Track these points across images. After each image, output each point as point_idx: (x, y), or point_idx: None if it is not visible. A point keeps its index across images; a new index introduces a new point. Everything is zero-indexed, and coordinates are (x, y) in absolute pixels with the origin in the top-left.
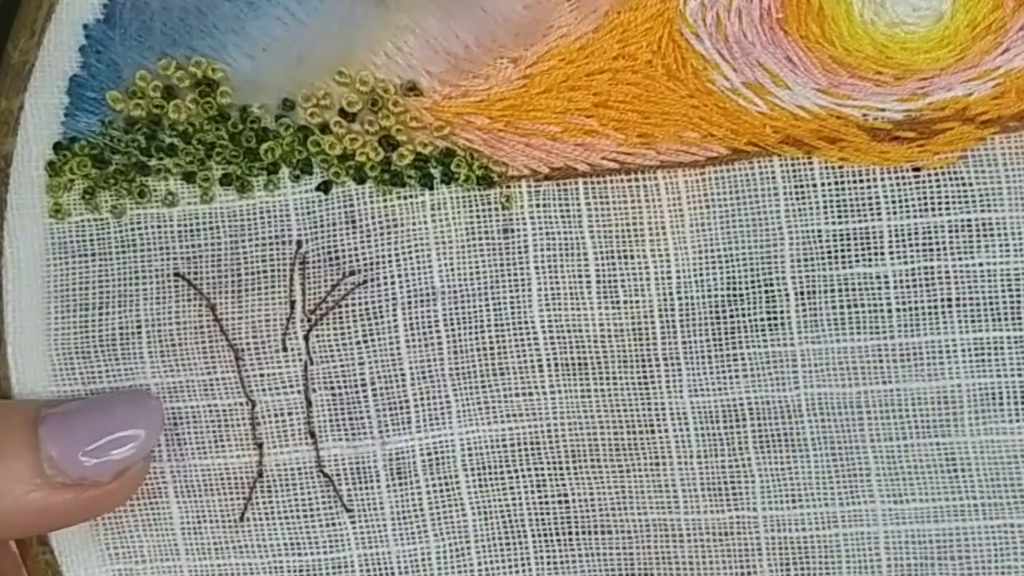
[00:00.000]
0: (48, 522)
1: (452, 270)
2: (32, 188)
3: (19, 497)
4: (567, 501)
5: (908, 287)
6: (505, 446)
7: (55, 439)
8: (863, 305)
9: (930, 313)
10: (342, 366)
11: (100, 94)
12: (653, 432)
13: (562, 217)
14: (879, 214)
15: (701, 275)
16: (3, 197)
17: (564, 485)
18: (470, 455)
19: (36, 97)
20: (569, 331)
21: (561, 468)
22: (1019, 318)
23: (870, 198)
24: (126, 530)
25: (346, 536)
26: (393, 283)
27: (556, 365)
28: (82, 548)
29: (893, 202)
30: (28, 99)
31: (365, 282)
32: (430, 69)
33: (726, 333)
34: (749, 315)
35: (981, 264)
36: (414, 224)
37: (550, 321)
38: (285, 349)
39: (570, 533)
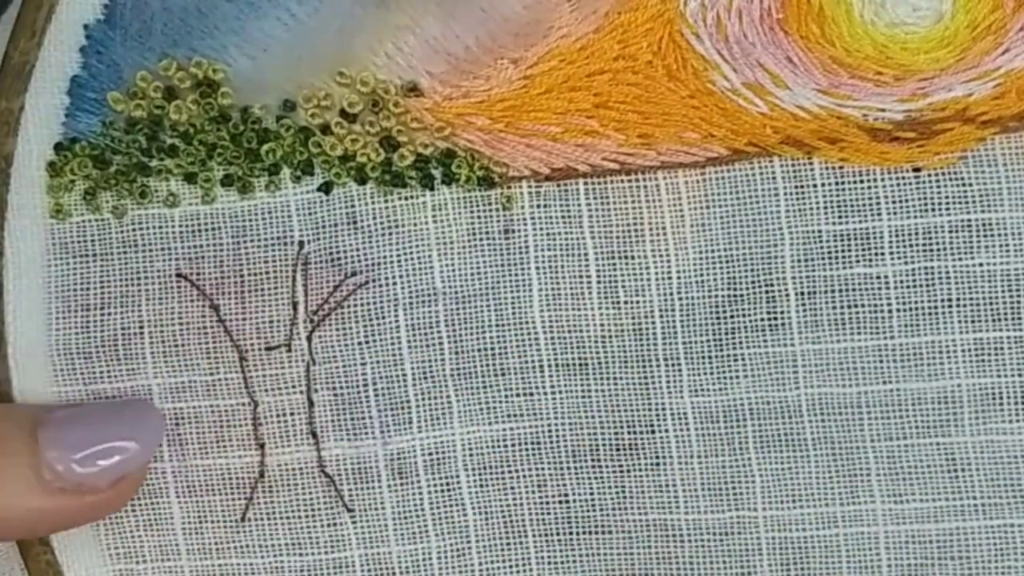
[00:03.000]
0: (46, 526)
1: (453, 271)
2: (33, 188)
3: (18, 501)
4: (568, 501)
5: (908, 287)
6: (506, 446)
7: (54, 445)
8: (863, 305)
9: (930, 313)
10: (344, 366)
11: (101, 95)
12: (653, 432)
13: (563, 218)
14: (879, 214)
15: (701, 275)
16: (4, 197)
17: (565, 485)
18: (471, 455)
19: (37, 97)
20: (570, 331)
21: (562, 468)
22: (1019, 318)
23: (870, 198)
24: (127, 530)
25: (347, 536)
26: (394, 284)
27: (557, 365)
28: (83, 548)
29: (893, 202)
30: (29, 99)
31: (367, 283)
32: (431, 70)
33: (726, 333)
34: (749, 315)
35: (981, 264)
36: (415, 225)
37: (551, 321)
38: (289, 350)
39: (571, 533)
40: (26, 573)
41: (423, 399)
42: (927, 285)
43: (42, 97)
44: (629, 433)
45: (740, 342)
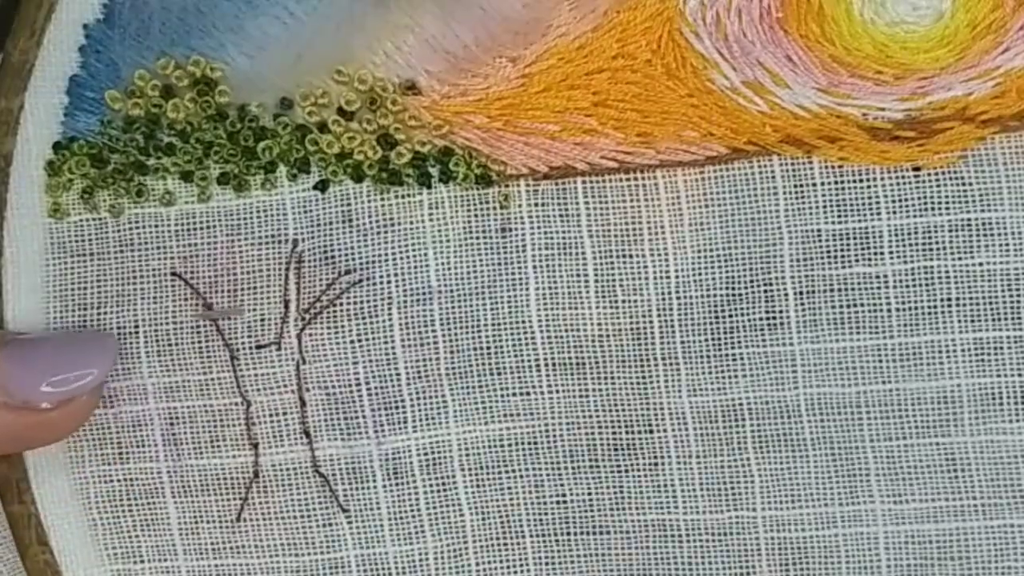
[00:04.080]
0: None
1: (449, 269)
2: (31, 188)
3: None
4: (565, 501)
5: (908, 287)
6: (502, 446)
7: (7, 361)
8: (863, 305)
9: (930, 313)
10: (336, 365)
11: (99, 94)
12: (652, 432)
13: (560, 216)
14: (879, 214)
15: (700, 275)
16: (3, 197)
17: (562, 485)
18: (467, 455)
19: (36, 97)
20: (567, 331)
21: (559, 468)
22: (1019, 318)
23: (870, 198)
24: (124, 530)
25: (343, 536)
26: (389, 282)
27: (554, 365)
28: (81, 548)
29: (893, 202)
30: (28, 99)
31: (361, 281)
32: (429, 68)
33: (725, 333)
34: (748, 315)
35: (981, 264)
36: (411, 223)
37: (548, 321)
38: (280, 348)
39: (568, 533)
40: (24, 573)
41: (418, 398)
42: (927, 285)
43: (41, 96)
44: (627, 433)
45: (739, 342)
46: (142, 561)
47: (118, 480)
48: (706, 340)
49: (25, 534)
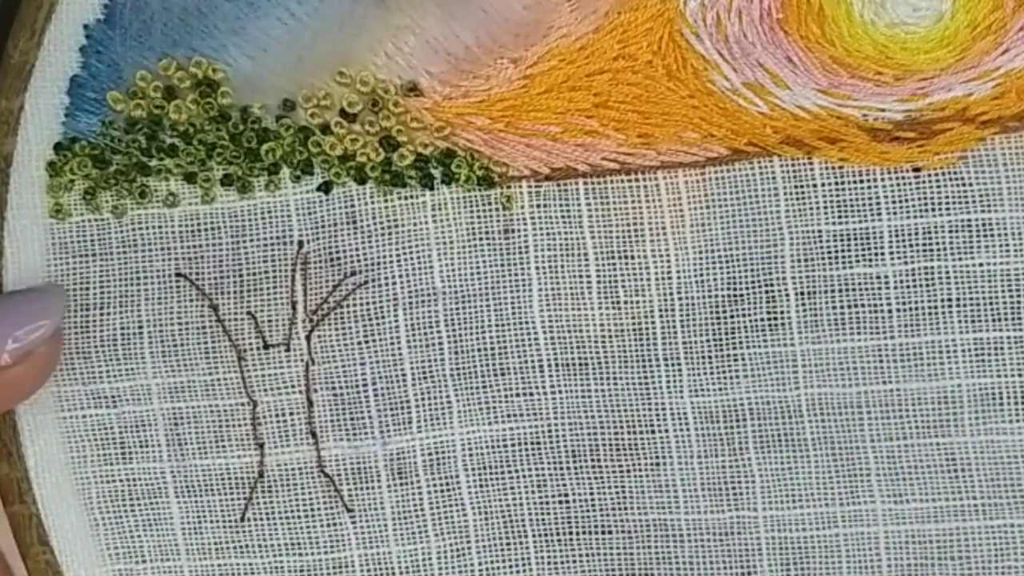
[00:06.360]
0: None
1: (453, 270)
2: (33, 188)
3: None
4: (567, 501)
5: (908, 287)
6: (506, 446)
7: None
8: (863, 305)
9: (930, 313)
10: (343, 366)
11: (101, 94)
12: (653, 432)
13: (563, 217)
14: (879, 214)
15: (701, 275)
16: (3, 197)
17: (565, 485)
18: (471, 455)
19: (36, 97)
20: (570, 331)
21: (562, 468)
22: (1019, 318)
23: (870, 198)
24: (126, 530)
25: (347, 536)
26: (394, 283)
27: (557, 365)
28: (82, 548)
29: (893, 202)
30: (28, 99)
31: (366, 282)
32: (430, 69)
33: (726, 333)
34: (749, 315)
35: (981, 264)
36: (415, 225)
37: (551, 321)
38: (288, 349)
39: (571, 533)
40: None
41: (423, 399)
42: (927, 285)
43: (42, 97)
44: (629, 433)
45: (740, 342)
46: (144, 561)
47: (120, 480)
48: (708, 340)
49: (26, 534)
